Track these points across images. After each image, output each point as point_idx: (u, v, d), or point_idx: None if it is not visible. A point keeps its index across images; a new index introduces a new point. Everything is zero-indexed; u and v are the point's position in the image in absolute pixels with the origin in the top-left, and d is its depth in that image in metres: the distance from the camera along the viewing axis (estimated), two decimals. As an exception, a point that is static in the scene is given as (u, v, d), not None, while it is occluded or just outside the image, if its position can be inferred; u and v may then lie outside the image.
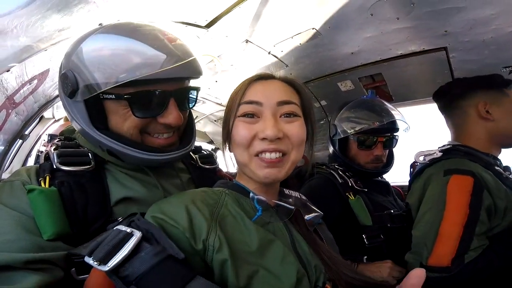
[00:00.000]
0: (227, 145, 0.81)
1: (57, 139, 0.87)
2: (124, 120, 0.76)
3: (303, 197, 0.82)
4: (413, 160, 1.48)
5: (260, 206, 0.71)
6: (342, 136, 1.56)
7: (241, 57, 1.85)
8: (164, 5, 1.23)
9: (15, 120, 1.36)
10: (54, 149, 0.79)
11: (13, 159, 1.56)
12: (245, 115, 0.73)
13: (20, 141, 1.63)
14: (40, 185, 0.71)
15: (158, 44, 0.73)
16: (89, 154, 0.80)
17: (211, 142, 3.34)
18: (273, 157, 0.71)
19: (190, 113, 0.94)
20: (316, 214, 0.80)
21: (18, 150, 1.74)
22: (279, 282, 0.62)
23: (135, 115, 0.75)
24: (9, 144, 1.46)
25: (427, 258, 1.05)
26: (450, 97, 1.40)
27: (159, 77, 0.71)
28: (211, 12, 1.38)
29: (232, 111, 0.76)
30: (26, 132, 1.63)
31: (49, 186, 0.71)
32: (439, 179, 1.14)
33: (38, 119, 1.71)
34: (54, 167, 0.75)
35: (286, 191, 0.80)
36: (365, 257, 1.30)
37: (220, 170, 1.10)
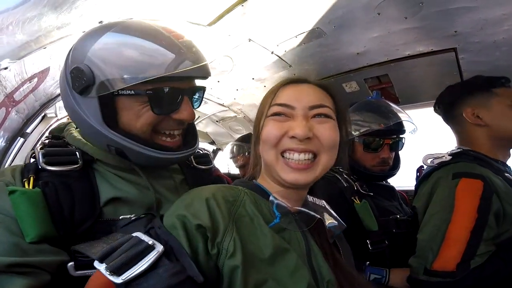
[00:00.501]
0: (257, 147, 0.78)
1: (45, 138, 0.85)
2: (138, 117, 0.75)
3: (327, 205, 0.76)
4: (419, 164, 1.43)
5: (279, 213, 0.67)
6: (351, 138, 1.50)
7: (244, 57, 1.83)
8: (166, 3, 1.21)
9: (15, 118, 1.36)
10: (41, 148, 0.77)
11: (14, 157, 1.55)
12: (276, 114, 0.72)
13: (22, 139, 1.64)
14: (24, 186, 0.68)
15: (177, 45, 0.75)
16: (77, 153, 0.78)
17: (212, 142, 3.32)
18: (302, 158, 0.68)
19: None
20: (339, 224, 0.73)
21: (20, 148, 1.74)
22: None
23: (153, 111, 0.75)
24: (10, 142, 1.46)
25: (432, 262, 1.02)
26: (444, 107, 1.36)
27: (180, 75, 0.73)
28: (213, 11, 1.35)
29: (263, 112, 0.75)
30: (28, 131, 1.63)
31: (33, 187, 0.68)
32: (447, 182, 1.10)
33: (40, 117, 1.71)
34: (39, 167, 0.73)
35: (311, 199, 0.75)
36: (367, 262, 1.27)
37: (216, 170, 1.08)
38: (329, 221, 0.72)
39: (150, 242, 0.54)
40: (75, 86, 0.73)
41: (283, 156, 0.70)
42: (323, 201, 0.77)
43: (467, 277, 0.96)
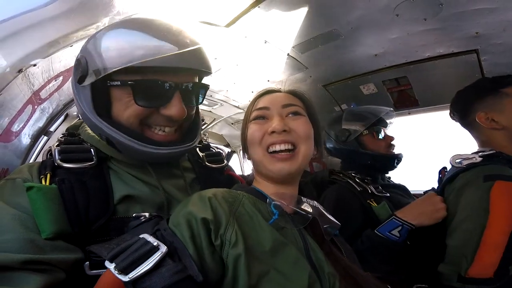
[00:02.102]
0: (246, 153, 0.89)
1: (61, 135, 0.86)
2: (126, 108, 0.75)
3: (320, 207, 0.83)
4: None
5: (277, 211, 0.74)
6: (362, 130, 1.58)
7: (260, 59, 1.84)
8: (185, 5, 1.24)
9: (40, 117, 1.41)
10: (57, 146, 0.78)
11: (37, 156, 1.61)
12: (257, 118, 0.85)
13: (45, 137, 1.70)
14: (41, 182, 0.70)
15: (164, 34, 0.73)
16: (92, 150, 0.79)
17: (227, 145, 3.34)
18: (283, 148, 0.79)
19: (197, 111, 0.93)
20: (333, 224, 0.80)
21: (43, 146, 1.81)
22: (290, 285, 0.62)
23: (136, 103, 0.74)
24: (34, 139, 1.51)
25: (466, 268, 0.97)
26: (459, 114, 1.32)
27: (164, 64, 0.70)
28: (230, 12, 1.37)
29: (246, 119, 0.88)
30: (51, 129, 1.69)
31: (50, 183, 0.69)
32: (478, 185, 1.05)
33: (63, 116, 1.77)
34: (56, 164, 0.74)
35: (304, 199, 0.82)
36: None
37: (228, 169, 1.06)
38: (323, 221, 0.78)
39: (155, 244, 0.58)
40: (76, 76, 0.76)
41: (268, 152, 0.80)
42: (316, 202, 0.83)
43: (506, 284, 0.92)
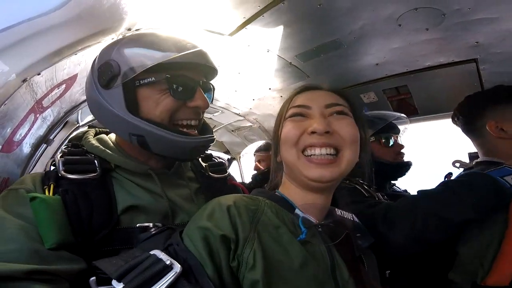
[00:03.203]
0: (277, 155, 0.80)
1: (65, 146, 0.88)
2: (157, 104, 0.80)
3: (355, 218, 0.74)
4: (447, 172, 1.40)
5: (305, 228, 0.66)
6: (369, 135, 1.54)
7: (262, 67, 1.85)
8: (191, 15, 1.24)
9: (41, 125, 1.39)
10: (61, 157, 0.80)
11: (35, 164, 1.59)
12: (294, 115, 0.75)
13: (45, 145, 1.67)
14: (44, 193, 0.70)
15: (182, 42, 0.84)
16: (95, 161, 0.81)
17: (227, 152, 3.33)
18: (323, 153, 0.68)
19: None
20: (366, 237, 0.72)
21: (42, 154, 1.78)
22: None
23: (172, 95, 0.80)
24: (35, 148, 1.49)
25: (483, 277, 0.96)
26: (464, 119, 1.32)
27: (189, 60, 0.80)
28: (234, 21, 1.38)
29: (281, 116, 0.79)
30: (51, 137, 1.66)
31: (53, 194, 0.70)
32: None
33: (63, 124, 1.74)
34: (59, 175, 0.75)
35: (338, 211, 0.73)
36: (388, 271, 1.22)
37: (231, 179, 1.08)
38: (356, 234, 0.71)
39: (167, 262, 0.53)
40: (102, 79, 0.80)
41: (304, 155, 0.70)
42: (352, 214, 0.75)
43: None
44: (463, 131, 1.36)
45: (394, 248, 0.99)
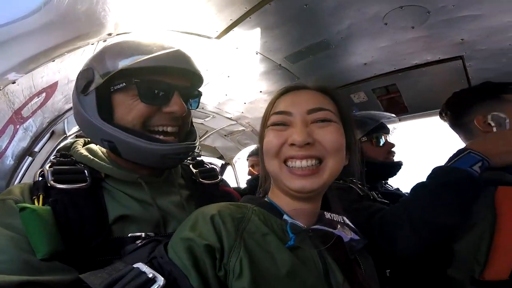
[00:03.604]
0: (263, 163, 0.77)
1: (54, 157, 0.86)
2: (129, 110, 0.78)
3: (347, 221, 0.72)
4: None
5: (293, 234, 0.64)
6: (360, 137, 1.53)
7: (252, 70, 1.83)
8: (174, 17, 1.22)
9: (23, 136, 1.34)
10: (49, 167, 0.78)
11: (23, 176, 1.53)
12: (275, 124, 0.71)
13: (30, 158, 1.62)
14: (33, 203, 0.69)
15: (159, 45, 0.81)
16: (85, 171, 0.79)
17: (221, 157, 3.30)
18: (304, 165, 0.66)
19: (191, 119, 0.97)
20: (358, 239, 0.70)
21: (28, 167, 1.72)
22: None
23: (142, 100, 0.78)
24: (18, 160, 1.43)
25: (480, 272, 0.96)
26: (452, 114, 1.32)
27: (161, 63, 0.77)
28: (221, 23, 1.36)
29: (264, 123, 0.76)
30: (36, 149, 1.61)
31: (43, 204, 0.69)
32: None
33: (48, 135, 1.69)
34: (48, 185, 0.73)
35: (328, 215, 0.70)
36: (388, 270, 1.20)
37: (223, 185, 1.06)
38: (349, 237, 0.69)
39: (150, 275, 0.53)
40: (79, 85, 0.79)
41: (286, 165, 0.68)
42: (343, 216, 0.73)
43: None
44: (450, 126, 1.36)
45: (401, 258, 1.01)
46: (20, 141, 1.34)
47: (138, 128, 0.79)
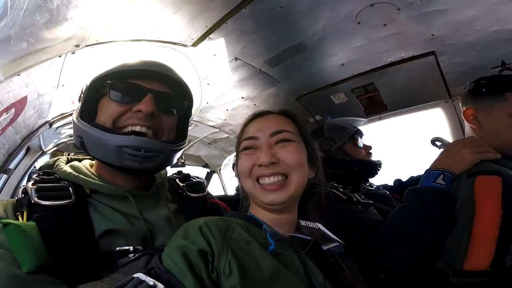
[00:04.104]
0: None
1: (36, 174, 0.86)
2: (105, 111, 0.83)
3: (322, 228, 0.80)
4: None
5: (273, 240, 0.70)
6: (346, 137, 1.60)
7: (232, 76, 1.83)
8: (145, 26, 1.21)
9: (-6, 154, 1.27)
10: (33, 184, 0.78)
11: (-1, 192, 1.46)
12: (246, 148, 0.83)
13: (5, 175, 1.54)
14: (17, 219, 0.69)
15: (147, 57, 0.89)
16: (70, 188, 0.80)
17: (206, 165, 3.25)
18: (272, 181, 0.76)
19: (183, 122, 0.99)
20: (336, 244, 0.77)
21: (4, 184, 1.65)
22: None
23: (110, 97, 0.82)
24: (-8, 179, 1.36)
25: (461, 263, 0.98)
26: (468, 90, 1.27)
27: (141, 67, 0.83)
28: (196, 30, 1.36)
29: (237, 148, 0.87)
30: (11, 166, 1.53)
31: (27, 220, 0.69)
32: (463, 182, 1.07)
33: (24, 151, 1.63)
34: (32, 202, 0.73)
35: (303, 223, 0.79)
36: (382, 274, 1.20)
37: (210, 198, 1.09)
38: (326, 242, 0.75)
39: (151, 283, 0.56)
40: (79, 97, 0.87)
41: (259, 183, 0.79)
42: (318, 223, 0.81)
43: (504, 274, 0.93)
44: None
45: (400, 270, 1.08)
46: (-8, 159, 1.27)
47: (108, 126, 0.82)
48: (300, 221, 0.79)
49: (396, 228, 1.08)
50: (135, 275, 0.58)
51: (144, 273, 0.59)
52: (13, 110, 1.08)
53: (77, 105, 0.89)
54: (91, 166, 0.92)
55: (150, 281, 0.56)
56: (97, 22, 1.00)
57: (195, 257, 0.62)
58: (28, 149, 1.61)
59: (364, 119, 1.73)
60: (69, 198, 0.77)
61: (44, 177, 0.83)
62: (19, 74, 0.93)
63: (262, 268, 0.65)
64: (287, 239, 0.75)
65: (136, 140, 0.79)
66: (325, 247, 0.74)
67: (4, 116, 1.08)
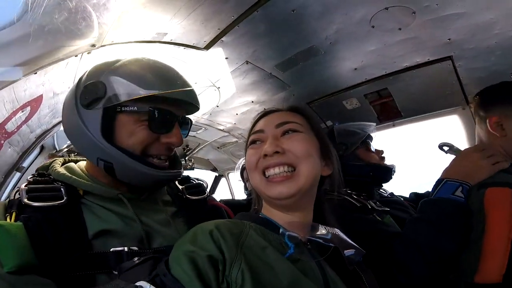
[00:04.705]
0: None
1: (31, 176, 0.87)
2: (131, 134, 0.80)
3: (340, 233, 0.74)
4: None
5: (292, 243, 0.66)
6: (359, 142, 1.56)
7: (243, 80, 1.83)
8: (160, 28, 1.22)
9: (9, 151, 1.30)
10: (25, 186, 0.79)
11: (11, 191, 1.49)
12: (252, 142, 0.81)
13: (18, 173, 1.57)
14: (6, 220, 0.70)
15: (173, 74, 0.86)
16: (62, 189, 0.80)
17: (214, 169, 3.25)
18: (277, 172, 0.72)
19: None
20: (355, 251, 0.71)
21: (17, 182, 1.69)
22: None
23: (151, 128, 0.80)
24: (5, 176, 1.40)
25: (472, 275, 0.95)
26: (477, 103, 1.27)
27: (176, 97, 0.81)
28: (208, 33, 1.37)
29: (246, 144, 0.85)
30: (24, 165, 1.57)
31: (15, 221, 0.69)
32: (473, 194, 1.05)
33: (38, 150, 1.67)
34: (22, 203, 0.74)
35: (321, 227, 0.73)
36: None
37: (211, 199, 1.08)
38: (346, 249, 0.71)
39: None
40: (84, 98, 0.79)
41: (265, 177, 0.75)
42: (336, 229, 0.75)
43: None
44: (473, 112, 1.32)
45: (417, 282, 1.04)
46: (6, 157, 1.30)
47: (138, 153, 0.81)
48: (319, 225, 0.74)
49: (413, 241, 1.04)
50: (138, 284, 0.55)
51: (148, 281, 0.56)
52: (28, 108, 1.11)
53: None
54: (87, 168, 0.92)
55: None
56: (112, 23, 1.01)
57: (204, 264, 0.57)
58: (42, 148, 1.65)
59: (374, 124, 1.67)
60: (61, 199, 0.77)
61: (37, 178, 0.84)
62: (36, 73, 0.95)
63: (280, 276, 0.61)
64: (306, 243, 0.71)
65: (173, 175, 0.88)
66: (345, 254, 0.69)
67: (20, 114, 1.11)
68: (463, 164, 1.11)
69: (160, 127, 0.82)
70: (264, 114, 0.87)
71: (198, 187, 1.06)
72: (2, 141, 1.17)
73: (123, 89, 0.78)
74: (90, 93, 0.79)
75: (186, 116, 0.91)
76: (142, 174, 0.80)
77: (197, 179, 1.13)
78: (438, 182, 1.11)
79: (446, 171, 1.13)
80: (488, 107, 1.21)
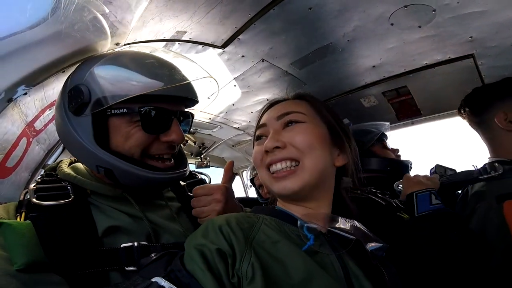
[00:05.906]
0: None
1: (39, 177, 0.89)
2: (127, 138, 0.78)
3: (362, 226, 0.71)
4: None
5: (312, 234, 0.63)
6: (375, 139, 1.58)
7: (259, 78, 1.84)
8: (179, 26, 1.24)
9: (36, 150, 1.36)
10: (33, 186, 0.80)
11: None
12: (257, 138, 0.80)
13: (43, 171, 1.63)
14: (16, 220, 0.71)
15: (166, 68, 0.82)
16: (69, 188, 0.81)
17: (229, 168, 3.28)
18: (279, 168, 0.71)
19: None
20: (379, 245, 0.67)
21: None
22: None
23: (144, 130, 0.77)
24: (32, 173, 1.46)
25: None
26: (472, 111, 1.27)
27: (170, 93, 0.77)
28: (226, 31, 1.38)
29: (253, 140, 0.84)
30: (49, 162, 1.63)
31: (25, 220, 0.71)
32: (493, 208, 1.00)
33: (61, 148, 1.73)
34: (32, 203, 0.75)
35: (342, 219, 0.71)
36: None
37: None
38: (368, 242, 0.67)
39: None
40: (71, 105, 0.77)
41: (270, 172, 0.74)
42: (356, 221, 0.73)
43: None
44: (470, 124, 1.31)
45: None
46: (34, 154, 1.36)
47: (137, 156, 0.80)
48: (339, 217, 0.71)
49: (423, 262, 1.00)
50: (153, 279, 0.55)
51: (164, 277, 0.56)
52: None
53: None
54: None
55: (169, 286, 0.53)
56: (136, 21, 1.03)
57: (214, 257, 0.57)
58: (64, 147, 1.70)
59: (387, 123, 1.68)
60: (68, 197, 0.78)
61: (45, 178, 0.85)
62: (64, 71, 0.99)
63: (292, 272, 0.59)
64: (326, 235, 0.68)
65: (176, 176, 0.85)
66: (368, 248, 0.66)
67: (48, 112, 1.16)
68: (411, 180, 1.15)
69: (155, 127, 0.79)
70: (269, 106, 0.84)
71: (200, 183, 1.06)
72: (31, 139, 1.23)
73: (108, 91, 0.75)
74: (75, 98, 0.76)
75: (186, 110, 0.88)
76: (144, 178, 0.79)
77: (200, 173, 1.14)
78: (410, 198, 1.09)
79: (405, 189, 1.15)
80: (489, 107, 1.19)
